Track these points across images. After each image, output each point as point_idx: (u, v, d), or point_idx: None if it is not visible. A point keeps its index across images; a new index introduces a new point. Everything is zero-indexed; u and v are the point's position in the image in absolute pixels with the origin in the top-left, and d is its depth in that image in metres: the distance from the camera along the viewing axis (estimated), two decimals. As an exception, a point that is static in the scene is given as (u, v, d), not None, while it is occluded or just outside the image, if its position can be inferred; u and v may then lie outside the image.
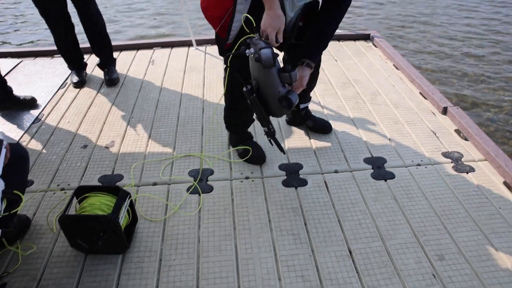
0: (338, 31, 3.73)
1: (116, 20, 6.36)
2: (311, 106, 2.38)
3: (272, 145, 1.77)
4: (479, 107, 3.95)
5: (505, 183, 2.02)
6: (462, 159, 2.18)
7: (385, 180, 1.99)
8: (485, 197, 1.92)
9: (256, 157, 2.08)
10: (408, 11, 6.88)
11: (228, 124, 2.13)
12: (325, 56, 3.28)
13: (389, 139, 2.29)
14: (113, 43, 3.01)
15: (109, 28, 3.04)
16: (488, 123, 3.66)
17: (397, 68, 3.10)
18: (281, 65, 1.74)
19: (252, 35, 1.51)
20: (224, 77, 1.83)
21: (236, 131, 2.14)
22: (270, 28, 1.47)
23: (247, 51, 1.47)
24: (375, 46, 3.50)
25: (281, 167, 2.06)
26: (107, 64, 2.97)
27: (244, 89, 1.60)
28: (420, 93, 2.77)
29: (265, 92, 1.57)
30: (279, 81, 1.51)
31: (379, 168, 2.06)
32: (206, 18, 1.77)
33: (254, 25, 1.49)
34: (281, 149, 1.77)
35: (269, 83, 1.53)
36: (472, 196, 1.92)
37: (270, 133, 1.70)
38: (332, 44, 3.54)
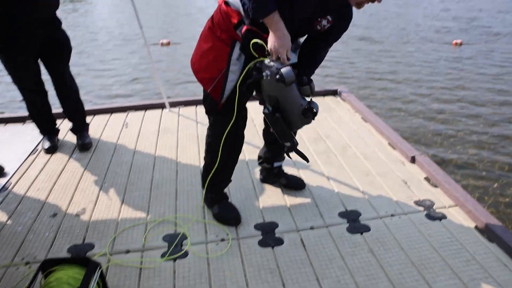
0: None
1: (89, 83, 6.45)
2: (284, 163, 2.42)
3: (291, 158, 1.80)
4: (446, 155, 4.11)
5: (476, 228, 2.06)
6: (434, 207, 2.23)
7: (361, 234, 1.99)
8: (459, 243, 1.95)
9: (233, 218, 2.06)
10: (375, 68, 7.30)
11: (208, 183, 2.06)
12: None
13: (362, 192, 2.33)
14: (86, 108, 3.04)
15: (82, 92, 3.08)
16: (455, 170, 3.79)
17: (365, 121, 3.23)
18: None
19: (261, 58, 1.57)
20: (211, 136, 1.91)
21: (213, 190, 2.12)
22: (281, 48, 1.54)
23: (264, 74, 1.53)
24: (343, 100, 3.67)
25: (257, 226, 2.04)
26: (80, 129, 2.97)
27: (266, 111, 1.64)
28: (388, 144, 2.88)
29: (287, 108, 1.60)
30: (299, 95, 1.58)
31: (354, 222, 2.07)
32: (197, 79, 1.83)
33: (266, 48, 1.55)
34: (305, 158, 1.77)
35: (291, 99, 1.58)
36: (446, 243, 1.94)
37: (294, 147, 1.71)
38: (301, 101, 3.69)
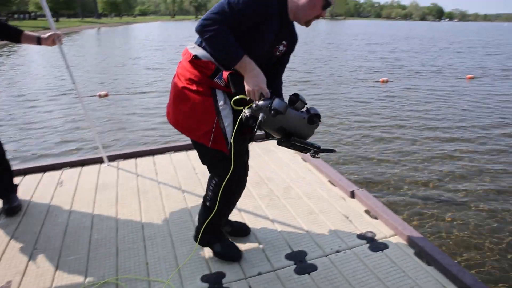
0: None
1: (18, 140, 6.04)
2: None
3: (319, 157, 1.84)
4: (382, 187, 4.32)
5: (415, 254, 2.16)
6: (376, 238, 2.30)
7: (309, 274, 1.99)
8: (401, 271, 2.02)
9: (237, 254, 2.10)
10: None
11: (207, 224, 2.02)
12: (237, 157, 3.44)
13: (307, 231, 2.36)
14: (14, 167, 2.84)
15: (10, 149, 2.88)
16: (392, 200, 3.99)
17: (305, 161, 3.34)
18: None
19: (245, 108, 1.66)
20: (218, 185, 1.91)
21: (213, 230, 2.07)
22: (261, 84, 1.64)
23: (260, 117, 1.61)
24: (282, 142, 3.78)
25: (203, 278, 1.97)
26: (6, 192, 2.74)
27: (280, 142, 1.72)
28: (328, 181, 2.98)
29: (295, 127, 1.70)
30: (297, 112, 1.68)
31: (301, 262, 2.07)
32: (195, 138, 1.86)
33: (246, 96, 1.67)
34: (331, 150, 1.81)
35: (293, 120, 1.68)
36: (391, 273, 2.00)
37: (319, 150, 1.76)
38: (242, 146, 3.75)
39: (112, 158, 3.49)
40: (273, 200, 2.71)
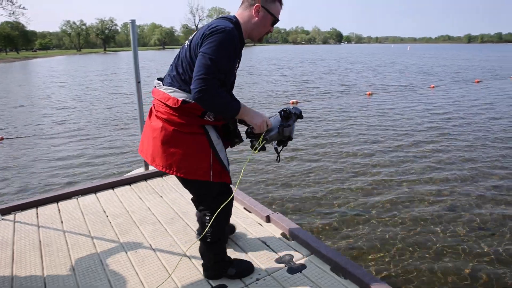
0: (160, 167, 3.86)
1: None
2: (143, 252, 2.28)
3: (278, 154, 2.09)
4: (297, 209, 4.47)
5: (331, 269, 2.24)
6: (294, 259, 2.35)
7: (229, 307, 1.95)
8: (320, 289, 2.07)
9: (250, 266, 2.24)
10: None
11: (215, 258, 2.14)
12: (150, 195, 3.31)
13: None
14: None
15: None
16: (307, 221, 4.14)
17: (221, 189, 3.32)
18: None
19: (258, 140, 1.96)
20: (216, 218, 1.98)
21: (222, 257, 2.17)
22: (264, 117, 1.92)
23: (274, 145, 2.04)
24: (197, 173, 3.73)
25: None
26: None
27: (277, 147, 2.05)
28: (244, 208, 2.99)
29: (290, 133, 2.00)
30: (292, 124, 2.02)
31: (221, 297, 2.02)
32: (197, 177, 1.92)
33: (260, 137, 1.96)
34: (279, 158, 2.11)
35: (291, 130, 2.01)
36: (310, 293, 2.05)
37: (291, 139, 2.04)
38: (155, 181, 3.62)
39: (6, 211, 3.11)
40: (189, 235, 2.64)
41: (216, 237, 2.07)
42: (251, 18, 1.95)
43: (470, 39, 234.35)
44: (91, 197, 3.32)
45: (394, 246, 3.56)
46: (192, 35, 1.96)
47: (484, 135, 7.59)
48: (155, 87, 2.00)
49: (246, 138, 2.05)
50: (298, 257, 2.37)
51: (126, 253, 2.44)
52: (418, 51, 70.28)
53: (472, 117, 9.39)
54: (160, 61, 39.26)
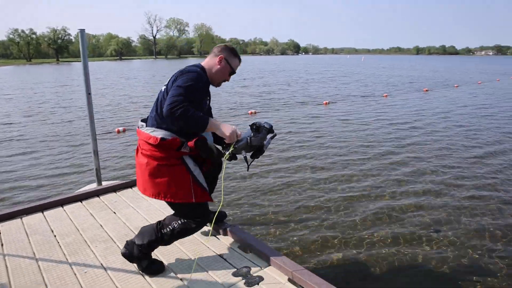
0: (113, 182, 3.73)
1: None
2: (94, 272, 2.16)
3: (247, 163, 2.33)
4: (254, 221, 4.46)
5: (289, 280, 2.24)
6: (251, 272, 2.32)
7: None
8: (277, 301, 2.06)
9: (161, 266, 2.39)
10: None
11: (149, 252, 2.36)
12: (103, 211, 3.17)
13: (182, 280, 2.26)
14: None
15: None
16: (264, 232, 4.13)
17: (177, 203, 3.24)
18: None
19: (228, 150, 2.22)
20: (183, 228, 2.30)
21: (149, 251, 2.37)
22: (233, 128, 2.20)
23: (244, 154, 2.26)
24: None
25: None
26: None
27: (249, 157, 2.32)
28: (201, 221, 2.93)
29: (257, 144, 2.26)
30: (258, 138, 2.26)
31: (176, 315, 1.96)
32: (183, 201, 2.22)
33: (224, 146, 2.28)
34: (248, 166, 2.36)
35: (261, 140, 2.27)
36: (267, 305, 2.03)
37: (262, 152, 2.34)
38: (108, 197, 3.48)
39: None
40: (144, 252, 2.54)
41: (168, 237, 2.31)
42: (214, 66, 2.39)
43: (418, 50, 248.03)
44: (37, 216, 3.13)
45: (358, 257, 3.63)
46: (168, 80, 2.30)
47: (441, 140, 7.99)
48: (138, 127, 2.34)
49: (222, 149, 2.30)
50: (256, 270, 2.35)
51: (75, 274, 2.30)
52: (373, 61, 73.42)
53: (429, 125, 9.88)
54: (116, 73, 38.20)
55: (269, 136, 2.33)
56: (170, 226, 2.29)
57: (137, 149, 2.36)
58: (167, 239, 2.32)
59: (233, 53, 2.45)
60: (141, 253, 2.30)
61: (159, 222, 2.34)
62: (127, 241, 2.37)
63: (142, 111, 12.65)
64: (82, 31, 3.34)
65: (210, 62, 2.41)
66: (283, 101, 14.84)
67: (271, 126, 2.32)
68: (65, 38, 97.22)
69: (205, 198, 2.29)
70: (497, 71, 38.34)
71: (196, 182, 2.24)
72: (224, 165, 2.50)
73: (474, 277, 3.23)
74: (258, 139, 2.23)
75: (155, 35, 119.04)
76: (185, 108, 2.04)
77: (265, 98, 15.91)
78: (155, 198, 2.25)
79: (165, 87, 2.27)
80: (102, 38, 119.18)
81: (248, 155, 2.30)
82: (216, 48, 2.46)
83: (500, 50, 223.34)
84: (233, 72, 2.47)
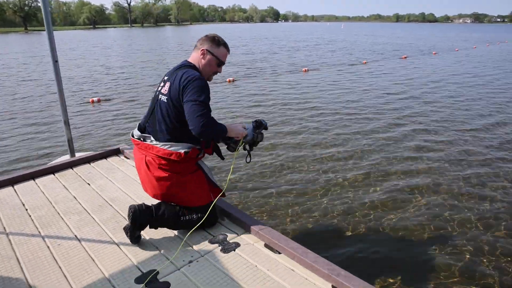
0: (87, 154, 3.63)
1: None
2: (67, 244, 2.12)
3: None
4: (230, 188, 4.47)
5: (266, 245, 2.26)
6: (227, 239, 2.33)
7: (161, 293, 1.89)
8: (254, 265, 2.08)
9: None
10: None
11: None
12: (76, 183, 3.10)
13: (158, 248, 2.25)
14: None
15: None
16: (240, 199, 4.15)
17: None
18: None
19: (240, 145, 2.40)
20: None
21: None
22: (242, 127, 2.38)
23: (247, 149, 2.49)
24: (127, 158, 3.56)
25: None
26: None
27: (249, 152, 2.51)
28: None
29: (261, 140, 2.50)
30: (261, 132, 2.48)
31: (152, 283, 1.95)
32: (205, 203, 2.35)
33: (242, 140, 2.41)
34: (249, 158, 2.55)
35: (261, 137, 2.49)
36: (244, 270, 2.05)
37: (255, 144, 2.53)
38: (82, 168, 3.39)
39: None
40: (119, 223, 2.51)
41: (182, 225, 2.35)
42: (199, 60, 2.35)
43: (398, 18, 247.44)
44: (7, 190, 3.03)
45: (333, 223, 3.70)
46: (162, 87, 2.30)
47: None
48: (142, 140, 2.31)
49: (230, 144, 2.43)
50: (232, 236, 2.36)
51: (48, 247, 2.26)
52: (353, 29, 72.87)
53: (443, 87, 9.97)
54: (90, 42, 36.72)
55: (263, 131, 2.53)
56: (188, 216, 2.32)
57: (145, 162, 2.29)
58: (178, 225, 2.35)
59: (215, 42, 2.36)
60: (150, 223, 2.29)
61: (180, 207, 2.33)
62: (144, 204, 2.30)
63: (120, 82, 12.27)
64: (43, -6, 3.13)
65: (195, 57, 2.37)
66: (275, 69, 14.65)
67: (266, 124, 2.50)
68: (32, 5, 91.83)
69: (220, 195, 2.42)
70: (482, 39, 38.78)
71: (212, 183, 2.41)
72: (234, 160, 2.56)
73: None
74: (261, 135, 2.45)
75: (130, 2, 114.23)
76: (213, 122, 2.15)
77: (256, 67, 15.65)
78: (187, 204, 2.33)
79: (165, 97, 2.23)
80: (73, 5, 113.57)
81: (247, 146, 2.47)
82: (198, 41, 2.39)
83: (478, 18, 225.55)
84: (221, 62, 2.39)
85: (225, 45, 2.40)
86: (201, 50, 2.33)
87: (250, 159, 2.53)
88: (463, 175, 4.63)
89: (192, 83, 2.14)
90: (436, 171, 4.78)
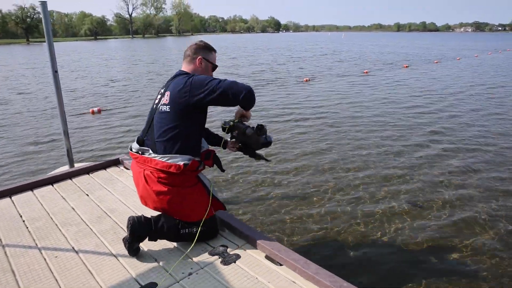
0: (86, 164, 3.61)
1: None
2: (65, 256, 2.07)
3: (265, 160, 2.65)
4: (230, 200, 4.43)
5: (266, 257, 2.21)
6: (228, 250, 2.29)
7: (159, 306, 1.85)
8: (254, 277, 2.04)
9: None
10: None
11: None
12: (75, 194, 3.07)
13: (156, 260, 2.21)
14: None
15: None
16: (239, 210, 4.10)
17: (153, 183, 3.16)
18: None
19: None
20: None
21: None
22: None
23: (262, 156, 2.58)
24: (127, 168, 3.53)
25: None
26: None
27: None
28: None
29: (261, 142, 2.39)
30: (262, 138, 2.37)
31: (150, 296, 1.91)
32: (207, 217, 2.31)
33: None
34: (265, 158, 2.62)
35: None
36: (244, 282, 2.00)
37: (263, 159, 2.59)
38: (81, 179, 3.36)
39: None
40: (118, 234, 2.47)
41: (182, 238, 2.32)
42: (196, 70, 2.35)
43: (399, 27, 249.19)
44: (5, 201, 3.00)
45: (334, 233, 3.65)
46: (160, 99, 2.26)
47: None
48: (141, 153, 2.26)
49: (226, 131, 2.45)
50: (233, 248, 2.32)
51: (45, 259, 2.22)
52: (355, 39, 73.26)
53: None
54: (91, 53, 36.97)
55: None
56: (188, 229, 2.29)
57: (143, 176, 2.24)
58: (178, 238, 2.32)
59: (208, 48, 2.41)
60: (150, 235, 2.26)
61: (179, 221, 2.29)
62: (143, 216, 2.27)
63: (121, 92, 12.31)
64: (43, 3, 3.14)
65: (189, 66, 2.37)
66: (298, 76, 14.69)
67: (271, 138, 2.43)
68: (34, 16, 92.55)
69: (220, 208, 2.44)
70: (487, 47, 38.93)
71: (212, 195, 2.35)
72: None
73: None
74: (257, 140, 2.35)
75: (131, 13, 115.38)
76: (243, 86, 2.15)
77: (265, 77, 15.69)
78: (181, 220, 2.29)
79: (168, 106, 2.18)
80: (75, 17, 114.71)
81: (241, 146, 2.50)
82: (189, 51, 2.39)
83: (479, 27, 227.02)
84: (215, 66, 2.44)
85: (214, 49, 2.46)
86: (198, 60, 2.35)
87: (264, 159, 2.58)
88: (449, 169, 4.59)
89: (193, 83, 2.14)
90: (437, 182, 4.73)
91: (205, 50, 2.39)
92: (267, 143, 2.37)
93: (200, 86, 2.11)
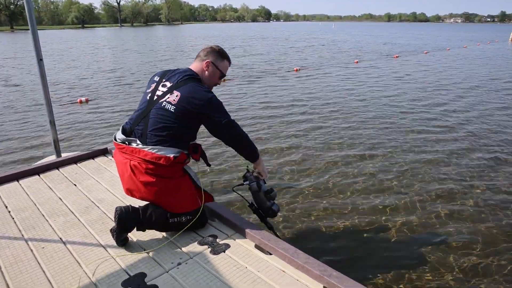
0: (73, 154, 3.56)
1: None
2: (52, 247, 2.05)
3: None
4: (218, 189, 4.42)
5: (256, 246, 2.22)
6: (217, 240, 2.29)
7: (148, 296, 1.84)
8: (244, 267, 2.04)
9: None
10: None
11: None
12: (62, 184, 3.03)
13: (145, 250, 2.20)
14: None
15: None
16: (230, 200, 4.09)
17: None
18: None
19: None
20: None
21: None
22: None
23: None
24: (115, 158, 3.49)
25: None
26: None
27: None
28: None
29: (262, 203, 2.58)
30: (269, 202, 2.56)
31: (139, 286, 1.90)
32: (194, 208, 2.31)
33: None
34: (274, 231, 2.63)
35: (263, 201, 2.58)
36: (234, 271, 2.00)
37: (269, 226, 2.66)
38: (69, 169, 3.32)
39: None
40: (106, 224, 2.45)
41: (171, 227, 2.32)
42: (203, 71, 2.35)
43: (390, 17, 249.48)
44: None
45: (324, 225, 3.67)
46: (165, 93, 2.21)
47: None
48: (127, 144, 2.21)
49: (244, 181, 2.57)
50: (222, 238, 2.32)
51: (32, 251, 2.19)
52: (346, 29, 73.08)
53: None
54: (78, 42, 36.26)
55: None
56: (177, 218, 2.27)
57: (129, 166, 2.19)
58: (166, 227, 2.31)
59: (220, 55, 2.38)
60: (138, 225, 2.24)
61: (166, 211, 2.26)
62: (131, 206, 2.25)
63: (109, 82, 12.13)
64: (26, -11, 3.05)
65: (198, 67, 2.36)
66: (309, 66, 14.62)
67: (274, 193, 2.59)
68: (18, 3, 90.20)
69: (208, 200, 2.43)
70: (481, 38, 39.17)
71: (199, 188, 2.34)
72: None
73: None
74: (264, 201, 2.53)
75: (120, 1, 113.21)
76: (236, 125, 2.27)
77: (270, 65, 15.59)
78: (169, 211, 2.26)
79: (173, 107, 2.15)
80: (61, 4, 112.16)
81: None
82: (202, 52, 2.38)
83: (468, 18, 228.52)
84: (223, 75, 2.42)
85: (228, 58, 2.43)
86: (206, 62, 2.33)
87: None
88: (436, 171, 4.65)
89: (209, 104, 2.18)
90: (429, 164, 4.79)
91: (217, 55, 2.37)
92: (273, 213, 2.53)
93: (217, 111, 2.19)
